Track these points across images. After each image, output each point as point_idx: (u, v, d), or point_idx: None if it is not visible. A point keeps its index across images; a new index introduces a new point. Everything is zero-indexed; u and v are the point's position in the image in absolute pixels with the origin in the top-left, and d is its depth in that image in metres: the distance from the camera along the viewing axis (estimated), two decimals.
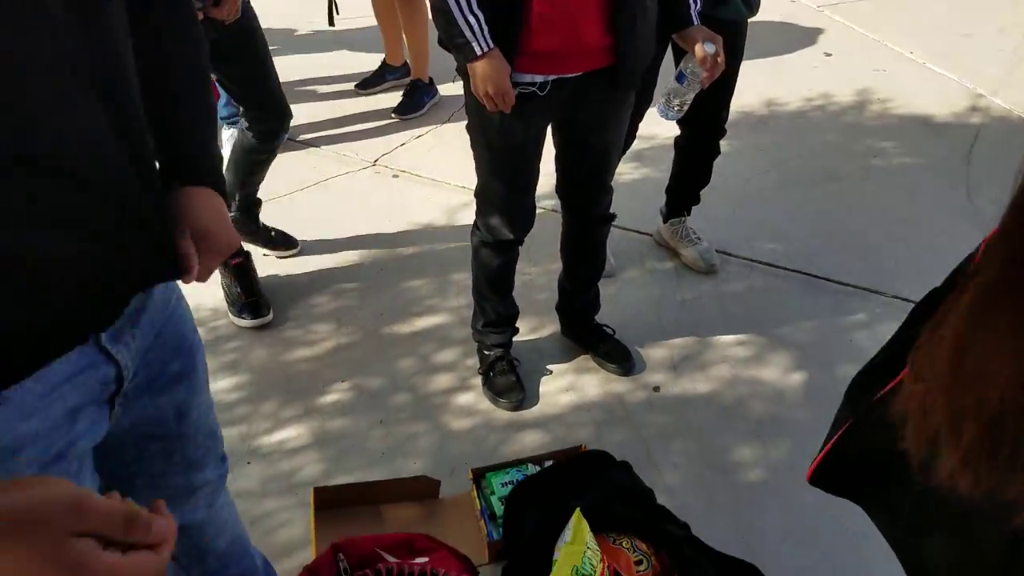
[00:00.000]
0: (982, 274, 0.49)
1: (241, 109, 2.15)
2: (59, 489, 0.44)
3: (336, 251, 2.51)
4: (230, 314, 2.20)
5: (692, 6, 1.65)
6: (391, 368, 2.08)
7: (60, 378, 0.71)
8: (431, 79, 3.44)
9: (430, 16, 3.43)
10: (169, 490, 0.99)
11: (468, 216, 2.81)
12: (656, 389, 2.02)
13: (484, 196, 1.80)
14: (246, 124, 2.14)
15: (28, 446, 0.71)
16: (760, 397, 1.97)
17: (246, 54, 2.00)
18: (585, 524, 1.28)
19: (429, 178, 2.93)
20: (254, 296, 2.19)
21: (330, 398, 1.99)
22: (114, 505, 0.46)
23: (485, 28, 1.45)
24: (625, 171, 2.90)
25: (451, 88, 3.51)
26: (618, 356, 2.05)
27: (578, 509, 1.30)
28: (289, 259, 2.46)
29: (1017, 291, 0.45)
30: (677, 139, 2.34)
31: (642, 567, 1.31)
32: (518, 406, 1.94)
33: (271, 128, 2.13)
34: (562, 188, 1.89)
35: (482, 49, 1.46)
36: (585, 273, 2.03)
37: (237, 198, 2.29)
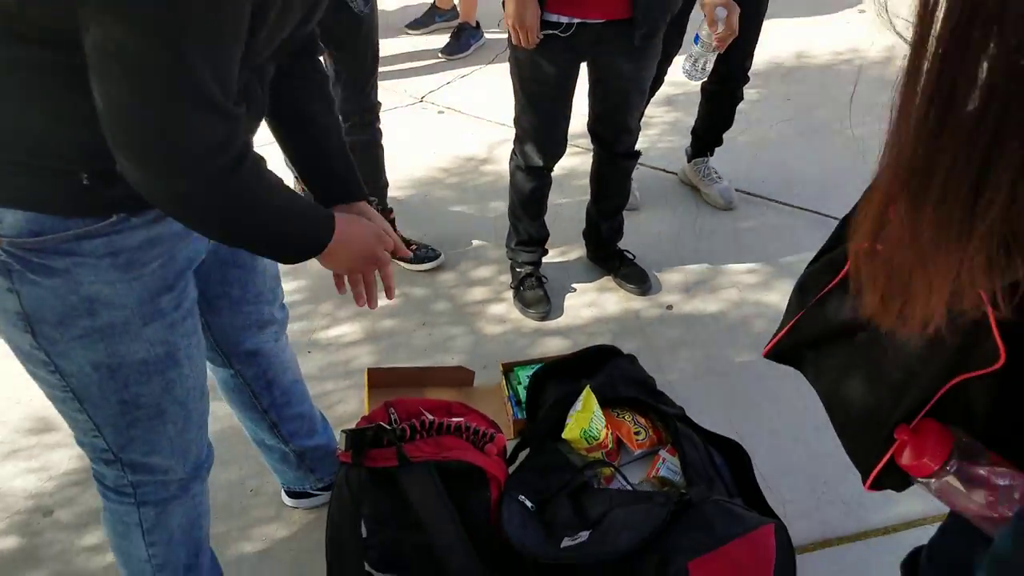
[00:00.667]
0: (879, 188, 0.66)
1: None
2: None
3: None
4: None
5: None
6: (433, 280, 2.33)
7: None
8: (478, 23, 3.62)
9: None
10: (247, 317, 1.29)
11: (507, 150, 3.03)
12: (669, 307, 2.24)
13: (519, 125, 2.01)
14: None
15: (158, 245, 0.99)
16: (763, 317, 2.18)
17: (353, 43, 2.02)
18: (593, 397, 1.53)
19: (472, 115, 3.14)
20: None
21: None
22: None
23: None
24: (656, 114, 3.07)
25: (496, 32, 3.69)
26: (636, 278, 2.28)
27: (588, 385, 1.55)
28: None
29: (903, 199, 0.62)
30: (704, 84, 2.50)
31: (640, 437, 1.56)
32: (544, 316, 2.19)
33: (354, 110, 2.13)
34: (591, 123, 2.09)
35: None
36: (610, 202, 2.24)
37: None
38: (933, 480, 0.90)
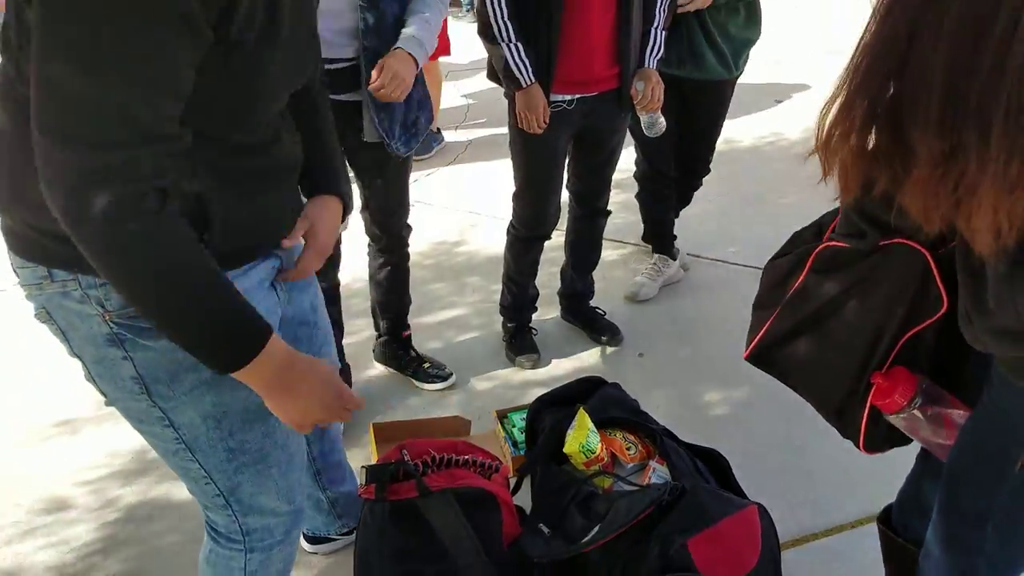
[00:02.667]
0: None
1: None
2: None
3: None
4: None
5: (650, 52, 2.13)
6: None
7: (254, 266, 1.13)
8: (439, 128, 4.01)
9: (441, 78, 4.06)
10: None
11: (477, 234, 3.31)
12: (640, 355, 2.48)
13: (521, 198, 2.28)
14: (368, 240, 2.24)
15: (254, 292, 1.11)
16: (722, 357, 2.43)
17: (387, 177, 2.04)
18: (587, 416, 1.72)
19: (441, 205, 3.44)
20: None
21: (372, 373, 2.44)
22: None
23: (530, 69, 1.97)
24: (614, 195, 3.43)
25: (453, 135, 4.09)
26: (609, 331, 2.52)
27: (581, 407, 1.74)
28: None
29: None
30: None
31: (631, 451, 1.75)
32: (535, 364, 2.42)
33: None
34: (573, 184, 2.38)
35: (526, 83, 1.98)
36: (585, 260, 2.52)
37: (382, 322, 2.36)
38: (903, 414, 1.10)
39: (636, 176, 2.77)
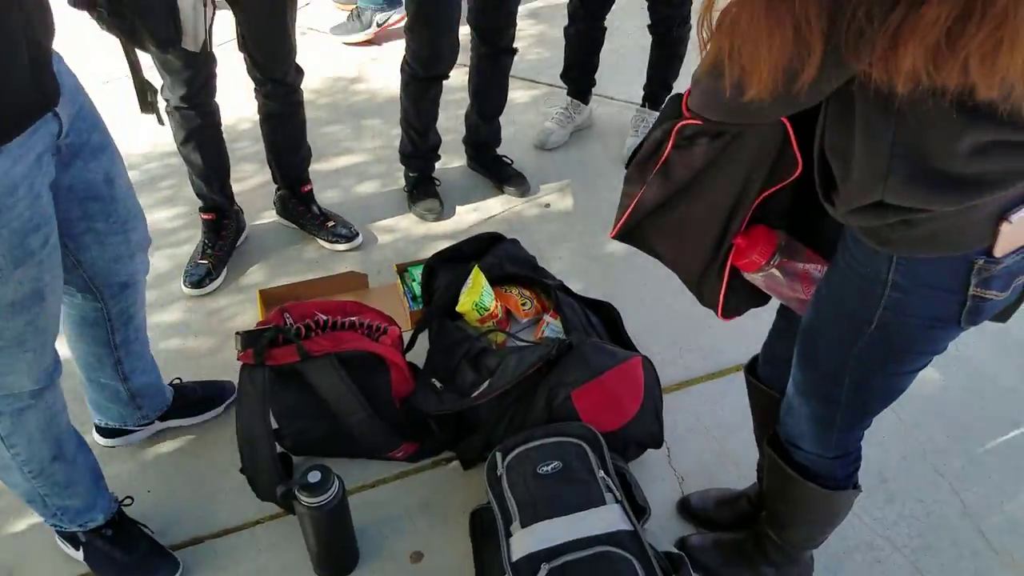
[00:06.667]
0: None
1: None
2: None
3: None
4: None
5: None
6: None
7: (32, 134, 1.01)
8: None
9: None
10: (116, 247, 1.30)
11: (378, 70, 3.05)
12: (547, 206, 2.41)
13: (413, 32, 2.03)
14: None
15: (21, 185, 1.00)
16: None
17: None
18: (481, 274, 1.67)
19: (335, 36, 3.11)
20: (205, 260, 2.06)
21: (264, 222, 2.29)
22: None
23: None
24: (522, 27, 3.17)
25: None
26: (516, 180, 2.42)
27: (476, 264, 1.69)
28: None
29: None
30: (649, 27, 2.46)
31: (527, 307, 1.73)
32: (439, 216, 2.31)
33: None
34: (474, 17, 2.15)
35: None
36: (490, 103, 2.36)
37: (279, 175, 2.18)
38: (762, 272, 1.10)
39: (569, 9, 2.52)
